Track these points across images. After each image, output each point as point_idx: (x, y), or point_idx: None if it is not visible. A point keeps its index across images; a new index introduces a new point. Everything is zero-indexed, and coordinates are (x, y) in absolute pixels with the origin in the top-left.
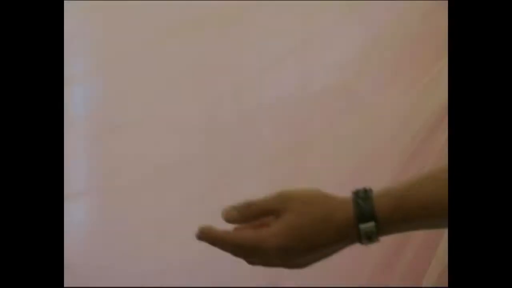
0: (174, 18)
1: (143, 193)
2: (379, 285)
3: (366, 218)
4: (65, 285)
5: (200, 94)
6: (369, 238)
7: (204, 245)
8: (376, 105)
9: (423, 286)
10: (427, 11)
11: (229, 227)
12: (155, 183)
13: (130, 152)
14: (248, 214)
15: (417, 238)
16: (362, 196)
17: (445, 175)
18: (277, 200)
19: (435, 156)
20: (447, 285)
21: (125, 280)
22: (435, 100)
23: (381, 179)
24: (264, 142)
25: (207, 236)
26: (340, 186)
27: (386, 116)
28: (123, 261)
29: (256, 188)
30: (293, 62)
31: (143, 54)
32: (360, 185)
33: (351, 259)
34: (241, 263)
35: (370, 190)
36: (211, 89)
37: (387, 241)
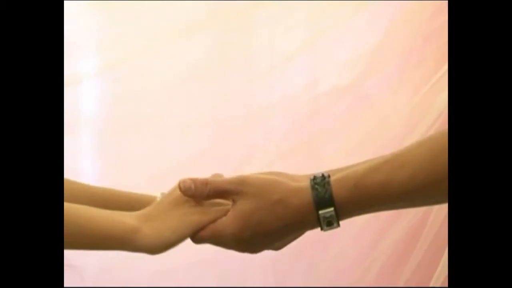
0: (183, 16)
1: (152, 191)
2: (387, 285)
3: (325, 204)
4: (70, 285)
5: (210, 92)
6: (330, 223)
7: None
8: (384, 104)
9: (431, 286)
10: (436, 10)
11: None
12: (165, 181)
13: (140, 150)
14: (203, 191)
15: (426, 239)
16: (320, 182)
17: (401, 159)
18: (234, 183)
19: None
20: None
21: (131, 280)
22: (443, 100)
23: None
24: (273, 140)
25: None
26: None
27: (394, 115)
28: (128, 261)
29: None
30: (302, 61)
31: (153, 53)
32: None
33: (359, 259)
34: (248, 262)
35: (328, 176)
36: (221, 87)
37: (396, 242)
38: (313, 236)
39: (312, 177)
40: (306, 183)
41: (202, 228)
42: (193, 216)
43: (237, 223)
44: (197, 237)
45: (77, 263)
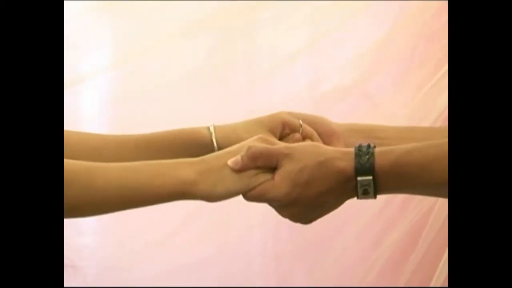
0: (185, 17)
1: None
2: (388, 285)
3: (364, 171)
4: (71, 285)
5: (212, 93)
6: (366, 192)
7: (215, 245)
8: (386, 104)
9: (431, 286)
10: (438, 11)
11: None
12: None
13: None
14: (249, 157)
15: (427, 239)
16: (364, 151)
17: (446, 146)
18: (281, 147)
19: None
20: None
21: (132, 280)
22: (444, 99)
23: None
24: None
25: None
26: None
27: (396, 115)
28: (130, 261)
29: None
30: (305, 61)
31: (154, 53)
32: None
33: (361, 259)
34: (250, 262)
35: (374, 146)
36: (224, 87)
37: (397, 241)
38: (314, 236)
39: (358, 145)
40: (351, 149)
41: (253, 188)
42: (246, 175)
43: (285, 184)
44: (248, 196)
45: (79, 263)
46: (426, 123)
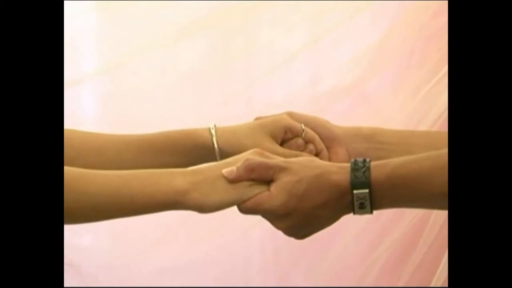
0: (185, 16)
1: None
2: (388, 285)
3: (361, 185)
4: (71, 285)
5: (212, 92)
6: (362, 206)
7: (214, 244)
8: (385, 104)
9: (431, 287)
10: (437, 11)
11: None
12: None
13: None
14: (245, 168)
15: (427, 240)
16: (360, 165)
17: (443, 159)
18: (278, 160)
19: None
20: None
21: (130, 279)
22: (443, 101)
23: None
24: None
25: None
26: None
27: (395, 116)
28: (128, 260)
29: None
30: (304, 61)
31: (154, 53)
32: None
33: (360, 260)
34: (249, 261)
35: (369, 161)
36: (223, 87)
37: (396, 241)
38: (314, 236)
39: (353, 160)
40: (347, 164)
41: (248, 199)
42: (241, 186)
43: (281, 194)
44: (242, 207)
45: (78, 263)
46: (425, 124)
